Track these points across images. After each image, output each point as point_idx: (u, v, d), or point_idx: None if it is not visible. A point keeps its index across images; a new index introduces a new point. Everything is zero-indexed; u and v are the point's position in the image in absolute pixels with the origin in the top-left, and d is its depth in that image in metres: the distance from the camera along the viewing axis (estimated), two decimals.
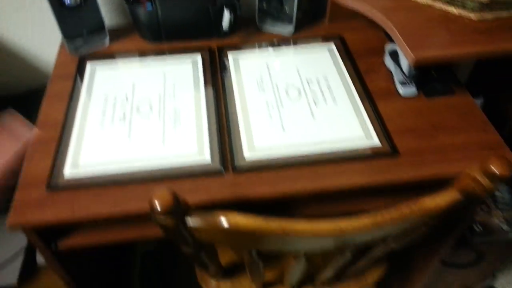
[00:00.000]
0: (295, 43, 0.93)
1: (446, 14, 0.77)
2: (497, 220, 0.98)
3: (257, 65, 0.88)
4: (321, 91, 0.81)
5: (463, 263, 1.06)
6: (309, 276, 0.80)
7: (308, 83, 0.83)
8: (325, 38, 0.94)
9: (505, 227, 0.97)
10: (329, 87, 0.82)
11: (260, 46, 0.93)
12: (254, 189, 0.66)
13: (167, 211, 0.48)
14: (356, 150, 0.71)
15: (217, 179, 0.67)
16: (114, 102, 0.80)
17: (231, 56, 0.90)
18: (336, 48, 0.92)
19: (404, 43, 0.71)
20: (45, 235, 0.68)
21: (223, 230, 0.49)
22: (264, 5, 0.93)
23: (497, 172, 0.51)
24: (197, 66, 0.87)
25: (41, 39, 1.01)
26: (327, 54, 0.90)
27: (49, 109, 0.79)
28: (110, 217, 0.63)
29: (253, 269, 0.70)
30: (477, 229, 0.97)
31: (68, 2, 0.82)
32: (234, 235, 0.52)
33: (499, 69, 1.13)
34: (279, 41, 0.94)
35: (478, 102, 1.10)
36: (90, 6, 0.86)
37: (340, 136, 0.73)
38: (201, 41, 0.93)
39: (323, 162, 0.69)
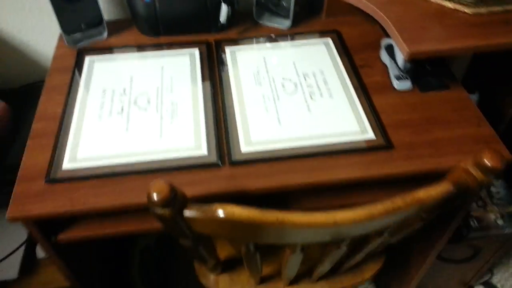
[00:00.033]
0: (292, 37, 0.94)
1: (442, 8, 0.78)
2: (493, 215, 0.99)
3: (254, 59, 0.88)
4: (317, 85, 0.82)
5: (460, 258, 1.07)
6: (306, 271, 0.81)
7: (304, 77, 0.84)
8: (322, 33, 0.95)
9: (501, 222, 0.98)
10: (325, 81, 0.83)
11: (257, 40, 0.93)
12: (250, 182, 0.66)
13: (164, 203, 0.49)
14: (352, 144, 0.72)
15: (214, 172, 0.68)
16: (112, 95, 0.80)
17: (228, 50, 0.90)
18: (333, 42, 0.92)
19: (399, 37, 0.71)
20: (45, 228, 0.69)
21: (219, 220, 0.50)
22: None
23: (489, 164, 0.52)
24: (195, 60, 0.88)
25: (39, 32, 1.01)
26: (323, 48, 0.91)
27: (47, 102, 0.79)
28: (109, 210, 0.64)
29: (251, 263, 0.71)
30: (473, 225, 0.97)
31: None
32: (231, 226, 0.52)
33: (496, 64, 1.13)
34: (276, 35, 0.94)
35: (474, 97, 1.10)
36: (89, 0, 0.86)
37: (335, 130, 0.74)
38: (199, 35, 0.93)
39: (318, 155, 0.70)
